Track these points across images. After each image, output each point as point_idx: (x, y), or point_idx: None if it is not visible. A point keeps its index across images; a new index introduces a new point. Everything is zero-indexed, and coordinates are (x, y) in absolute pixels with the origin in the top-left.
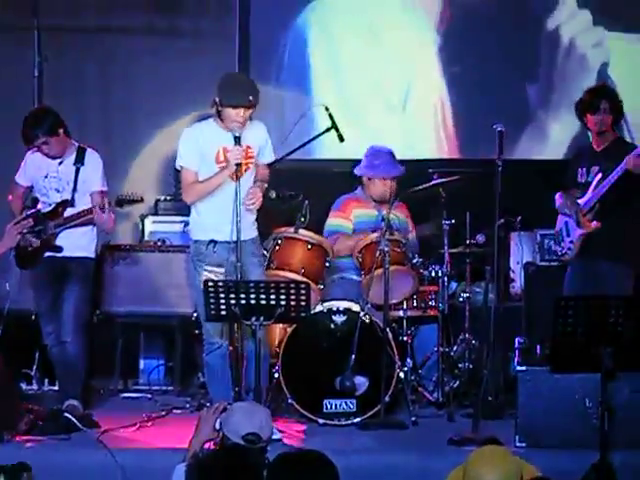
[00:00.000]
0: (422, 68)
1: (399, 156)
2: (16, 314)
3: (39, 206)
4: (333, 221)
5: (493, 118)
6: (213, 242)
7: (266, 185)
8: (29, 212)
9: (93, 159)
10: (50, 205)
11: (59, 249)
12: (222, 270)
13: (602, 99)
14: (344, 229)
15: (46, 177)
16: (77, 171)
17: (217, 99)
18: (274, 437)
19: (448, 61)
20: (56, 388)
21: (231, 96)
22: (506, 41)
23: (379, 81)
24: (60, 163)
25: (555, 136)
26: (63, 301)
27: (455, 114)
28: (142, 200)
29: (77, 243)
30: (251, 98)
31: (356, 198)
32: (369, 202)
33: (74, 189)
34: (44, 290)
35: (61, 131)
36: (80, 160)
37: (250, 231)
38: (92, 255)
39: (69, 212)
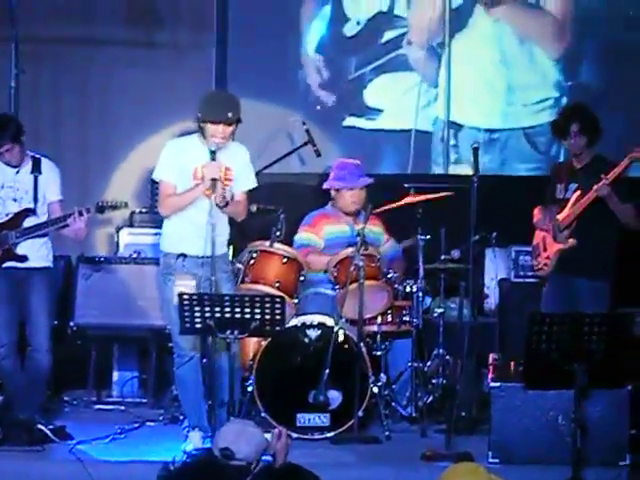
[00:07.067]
0: None
1: None
2: None
3: None
4: (303, 235)
5: None
6: (183, 255)
7: (241, 208)
8: None
9: (50, 168)
10: (7, 215)
11: (23, 259)
12: (193, 283)
13: (572, 122)
14: (314, 243)
15: (2, 187)
16: (36, 180)
17: (199, 115)
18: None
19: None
20: None
21: (210, 112)
22: None
23: None
24: (17, 172)
25: None
26: (33, 312)
27: None
28: (127, 205)
29: (39, 254)
30: (230, 115)
31: (326, 214)
32: (340, 217)
33: (35, 198)
34: (4, 301)
35: (23, 139)
36: (37, 169)
37: (222, 247)
38: (52, 265)
39: (31, 221)
